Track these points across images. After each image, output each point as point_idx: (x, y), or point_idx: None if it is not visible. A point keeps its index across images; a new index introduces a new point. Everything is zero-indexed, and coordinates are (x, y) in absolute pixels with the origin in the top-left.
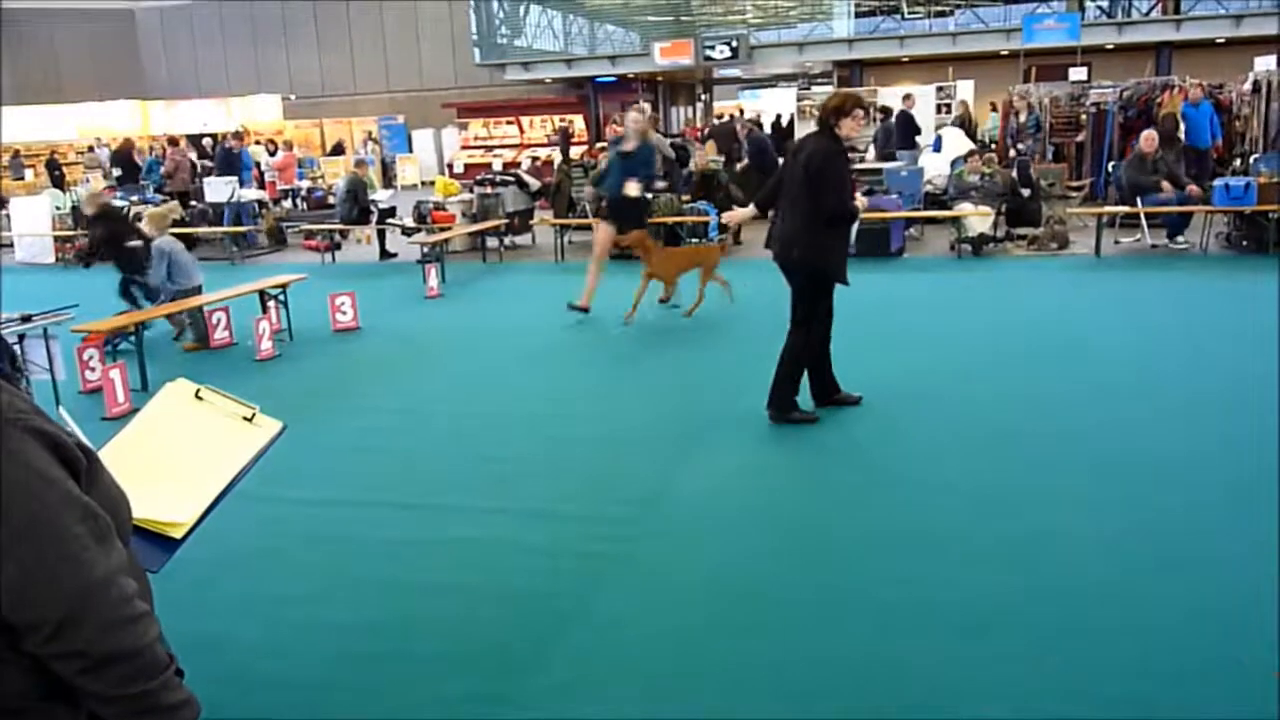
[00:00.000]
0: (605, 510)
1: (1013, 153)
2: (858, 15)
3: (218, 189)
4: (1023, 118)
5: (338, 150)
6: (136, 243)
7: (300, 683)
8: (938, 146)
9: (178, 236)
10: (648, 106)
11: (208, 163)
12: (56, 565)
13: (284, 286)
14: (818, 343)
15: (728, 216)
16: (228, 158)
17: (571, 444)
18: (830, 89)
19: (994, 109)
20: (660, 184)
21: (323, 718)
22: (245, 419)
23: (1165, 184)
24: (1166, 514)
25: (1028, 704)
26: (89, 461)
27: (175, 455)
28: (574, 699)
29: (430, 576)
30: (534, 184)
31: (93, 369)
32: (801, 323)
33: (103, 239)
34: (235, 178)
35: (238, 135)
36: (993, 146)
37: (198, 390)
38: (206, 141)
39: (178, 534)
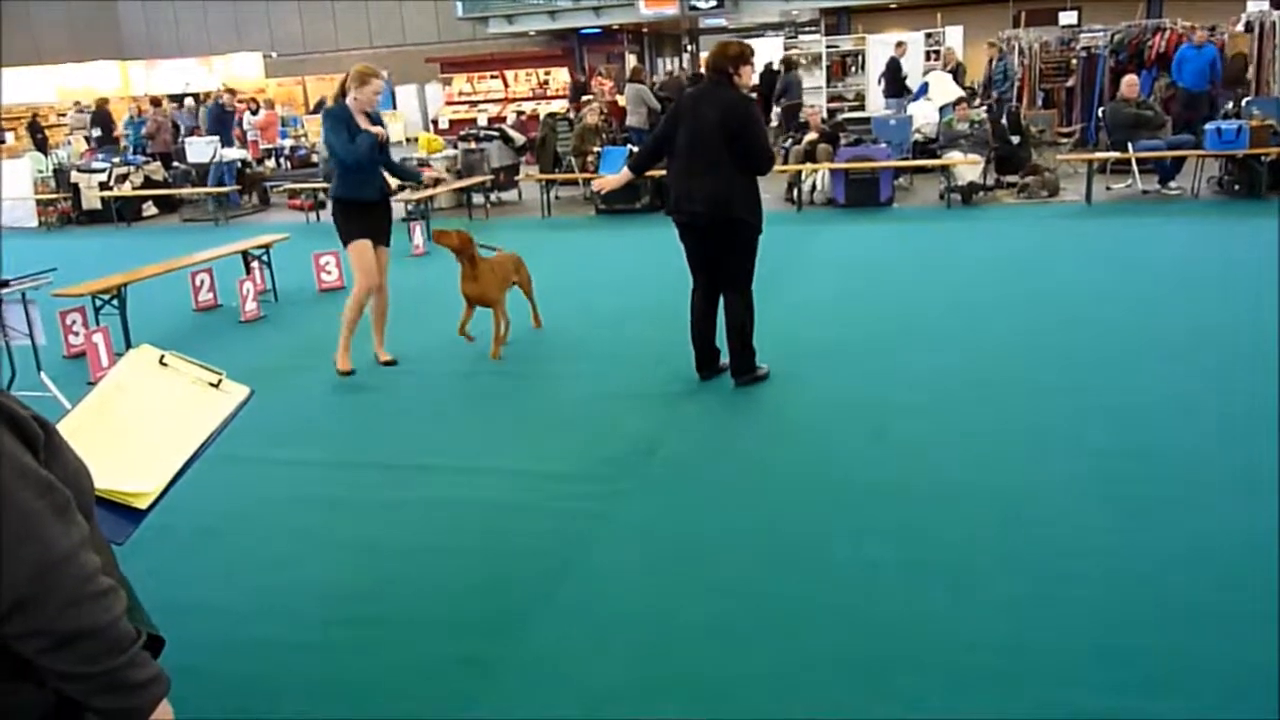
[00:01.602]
0: (591, 469)
1: (978, 101)
2: None
3: (200, 149)
4: (992, 65)
5: (320, 108)
6: None
7: (286, 646)
8: (922, 93)
9: (158, 200)
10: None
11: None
12: (13, 542)
13: (267, 247)
14: (752, 298)
15: (599, 183)
16: (221, 115)
17: (559, 402)
18: (819, 37)
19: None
20: (427, 172)
21: (309, 682)
22: (211, 385)
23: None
24: (1157, 457)
25: (1016, 653)
26: (47, 434)
27: (139, 424)
28: (562, 659)
29: (416, 538)
30: (519, 139)
31: (76, 334)
32: (741, 284)
33: None
34: (218, 137)
35: (231, 92)
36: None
37: (161, 356)
38: (189, 102)
39: (143, 504)
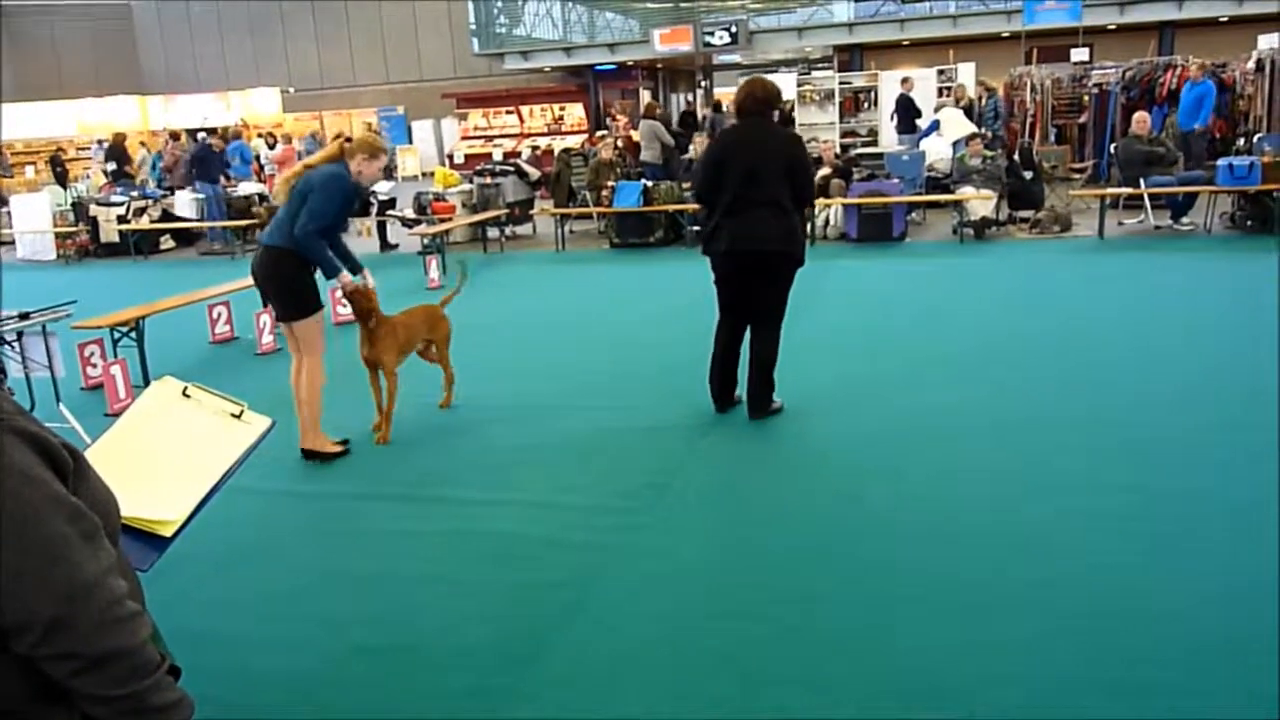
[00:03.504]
0: (606, 501)
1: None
2: None
3: (185, 204)
4: (983, 103)
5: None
6: None
7: (300, 677)
8: (933, 129)
9: (175, 233)
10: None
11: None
12: (44, 566)
13: None
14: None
15: None
16: (205, 155)
17: (575, 435)
18: (832, 74)
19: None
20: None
21: (323, 713)
22: (234, 416)
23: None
24: (1174, 494)
25: (1032, 688)
26: (76, 462)
27: (163, 453)
28: (576, 691)
29: (432, 569)
30: (534, 174)
31: (94, 365)
32: (778, 319)
33: None
34: (211, 185)
35: (212, 130)
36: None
37: (185, 388)
38: (202, 135)
39: (167, 532)
